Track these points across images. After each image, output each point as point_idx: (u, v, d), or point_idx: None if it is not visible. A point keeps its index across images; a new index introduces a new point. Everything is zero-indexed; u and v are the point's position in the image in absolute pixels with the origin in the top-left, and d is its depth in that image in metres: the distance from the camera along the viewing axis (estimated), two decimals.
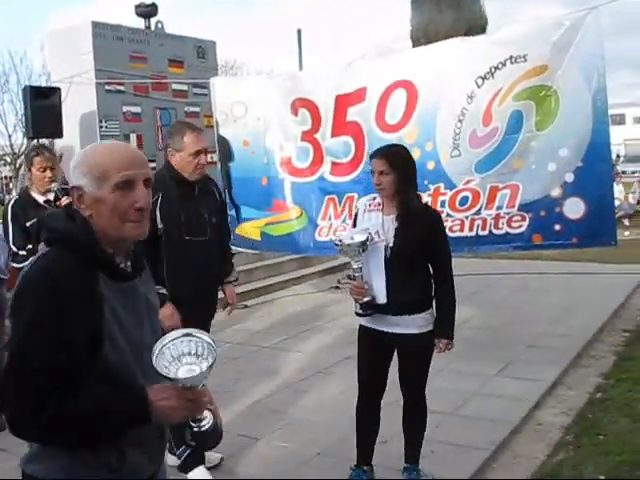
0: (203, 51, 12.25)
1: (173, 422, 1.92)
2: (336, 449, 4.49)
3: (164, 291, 4.03)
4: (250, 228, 7.30)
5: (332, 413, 5.12)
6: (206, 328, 4.14)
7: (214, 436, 2.00)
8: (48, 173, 4.84)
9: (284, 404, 5.39)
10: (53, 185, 4.83)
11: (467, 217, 5.86)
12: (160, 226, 4.07)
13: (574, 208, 5.53)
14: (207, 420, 1.96)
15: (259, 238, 7.27)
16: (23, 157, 5.36)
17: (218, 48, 12.81)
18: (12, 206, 4.91)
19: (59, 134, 10.13)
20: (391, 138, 6.11)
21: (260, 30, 76.37)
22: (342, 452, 4.43)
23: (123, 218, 1.91)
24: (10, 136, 34.74)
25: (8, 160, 37.59)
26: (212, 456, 4.40)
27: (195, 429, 1.94)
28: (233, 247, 7.76)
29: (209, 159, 11.22)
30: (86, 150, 2.03)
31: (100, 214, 1.91)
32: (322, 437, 4.68)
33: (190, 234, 4.17)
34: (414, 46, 23.37)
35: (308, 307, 8.93)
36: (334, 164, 6.65)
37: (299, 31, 19.44)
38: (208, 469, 4.28)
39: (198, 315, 4.04)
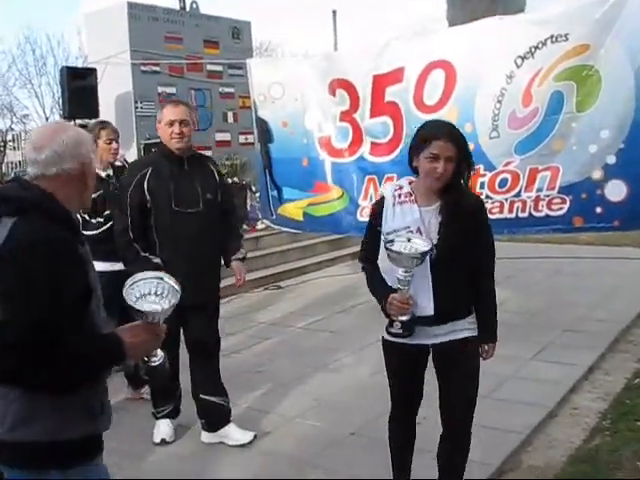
0: (238, 32, 12.26)
1: (140, 356, 2.17)
2: (368, 429, 4.47)
3: (158, 260, 4.18)
4: (293, 209, 7.30)
5: (364, 394, 5.11)
6: (202, 301, 4.33)
7: (163, 371, 2.25)
8: (114, 145, 5.12)
9: (317, 384, 5.40)
10: (119, 155, 5.15)
11: (507, 199, 5.78)
12: (148, 198, 4.19)
13: (616, 190, 5.41)
14: (158, 357, 2.21)
15: (302, 218, 7.27)
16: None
17: (253, 29, 12.81)
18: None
19: (95, 114, 10.22)
20: (429, 118, 6.05)
21: (295, 11, 76.16)
22: (374, 433, 4.40)
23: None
24: (47, 118, 35.08)
25: None
26: (246, 434, 4.46)
27: (149, 364, 2.20)
28: (276, 227, 7.86)
29: (244, 140, 11.43)
30: (81, 131, 2.26)
31: (90, 189, 2.23)
32: (355, 417, 4.67)
33: (179, 205, 4.21)
34: (450, 26, 23.11)
35: (341, 288, 8.90)
36: (373, 144, 6.61)
37: (334, 12, 19.40)
38: (241, 446, 4.38)
39: (192, 287, 4.10)
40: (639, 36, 5.23)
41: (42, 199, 2.06)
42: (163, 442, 4.45)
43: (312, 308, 7.86)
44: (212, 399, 4.49)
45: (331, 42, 18.46)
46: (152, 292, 2.12)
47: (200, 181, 4.32)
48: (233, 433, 4.47)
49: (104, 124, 5.32)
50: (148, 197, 4.19)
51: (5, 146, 37.08)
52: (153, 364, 2.21)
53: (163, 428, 4.52)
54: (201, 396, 4.48)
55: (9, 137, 37.53)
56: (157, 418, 4.54)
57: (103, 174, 5.09)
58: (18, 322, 1.89)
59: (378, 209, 3.32)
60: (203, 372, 4.52)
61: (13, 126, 36.72)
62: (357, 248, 10.99)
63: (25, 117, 35.96)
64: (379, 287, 3.33)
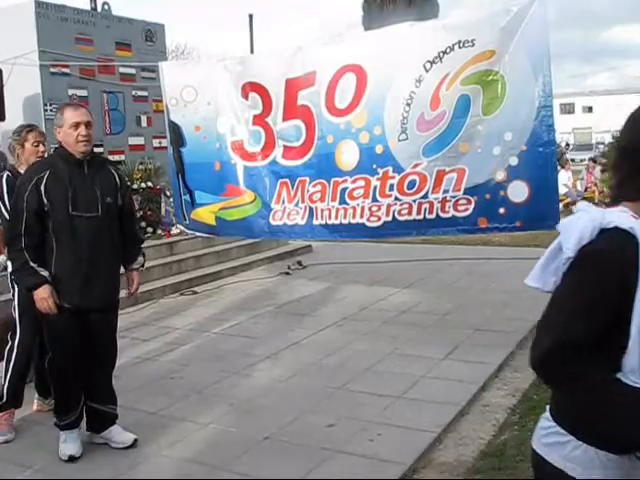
0: (152, 34, 12.06)
1: None
2: (282, 433, 4.47)
3: (45, 273, 4.10)
4: (205, 213, 7.26)
5: (280, 398, 5.12)
6: (101, 305, 4.27)
7: None
8: (41, 147, 4.92)
9: (232, 389, 5.36)
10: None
11: (415, 201, 5.90)
12: (45, 202, 4.10)
13: (518, 191, 5.60)
14: None
15: (214, 223, 7.24)
16: (11, 137, 5.33)
17: (167, 32, 12.64)
18: (6, 181, 4.81)
19: (1, 117, 9.87)
20: (340, 122, 6.15)
21: (212, 14, 75.75)
22: (288, 436, 4.44)
23: None
24: None
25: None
26: (129, 436, 4.42)
27: None
28: (189, 231, 7.78)
29: (158, 144, 11.24)
30: None
31: None
32: (269, 422, 4.66)
33: (77, 209, 4.14)
34: (365, 31, 23.42)
35: (256, 293, 8.88)
36: (286, 148, 6.63)
37: (251, 16, 19.34)
38: (127, 448, 4.37)
39: (90, 291, 4.16)
40: (539, 47, 5.44)
41: None
42: (71, 459, 4.26)
43: (228, 313, 7.80)
44: (101, 408, 4.43)
45: (247, 46, 18.41)
46: None
47: (100, 185, 4.25)
48: (117, 435, 4.43)
49: (31, 127, 5.13)
50: (45, 201, 4.09)
51: None
52: None
53: (69, 441, 4.34)
54: (90, 403, 4.41)
55: None
56: (61, 428, 4.37)
57: None
58: None
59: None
60: (97, 379, 4.44)
61: None
62: (272, 252, 11.14)
63: None
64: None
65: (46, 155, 4.94)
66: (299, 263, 10.40)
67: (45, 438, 4.53)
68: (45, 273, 4.10)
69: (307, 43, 6.92)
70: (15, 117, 9.99)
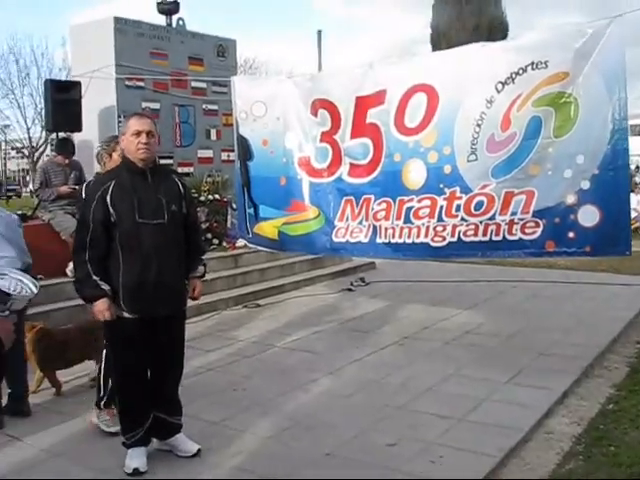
0: (223, 49, 12.30)
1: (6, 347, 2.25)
2: (343, 450, 4.48)
3: (106, 287, 4.16)
4: (268, 227, 7.33)
5: (341, 414, 5.12)
6: (168, 313, 4.32)
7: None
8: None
9: (293, 404, 5.38)
10: None
11: (481, 222, 5.85)
12: (112, 211, 4.15)
13: (589, 216, 5.50)
14: None
15: (277, 237, 7.30)
16: (100, 146, 5.56)
17: (238, 46, 12.87)
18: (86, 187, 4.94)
19: (78, 128, 10.21)
20: (409, 141, 6.15)
21: (281, 30, 76.71)
22: (349, 453, 4.44)
23: None
24: (29, 129, 35.01)
25: (26, 153, 37.84)
26: (193, 445, 4.48)
27: None
28: (251, 245, 7.87)
29: (226, 157, 11.46)
30: None
31: None
32: (330, 438, 4.67)
33: (143, 217, 4.19)
34: (434, 50, 23.41)
35: (319, 308, 8.92)
36: (352, 165, 6.67)
37: (319, 32, 19.49)
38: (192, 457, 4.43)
39: (158, 299, 4.20)
40: (615, 69, 5.35)
41: None
42: (136, 472, 4.26)
43: (290, 327, 7.86)
44: (168, 418, 4.48)
45: (315, 62, 18.55)
46: (10, 288, 2.24)
47: (164, 193, 4.31)
48: (181, 444, 4.49)
49: (117, 139, 5.33)
50: (112, 210, 4.15)
51: None
52: None
53: (135, 456, 4.33)
54: (156, 413, 4.45)
55: None
56: (128, 447, 4.36)
57: None
58: None
59: None
60: (164, 390, 4.49)
61: None
62: (336, 268, 11.20)
63: (6, 127, 35.92)
64: None
65: None
66: (362, 280, 10.41)
67: (111, 443, 4.62)
68: (106, 287, 4.16)
69: (378, 61, 6.94)
70: (91, 128, 10.35)
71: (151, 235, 4.19)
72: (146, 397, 4.40)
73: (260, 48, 56.08)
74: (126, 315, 4.21)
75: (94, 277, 4.13)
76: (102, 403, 4.97)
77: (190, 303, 4.68)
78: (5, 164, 49.27)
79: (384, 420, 4.98)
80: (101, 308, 4.15)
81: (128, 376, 4.35)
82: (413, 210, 6.20)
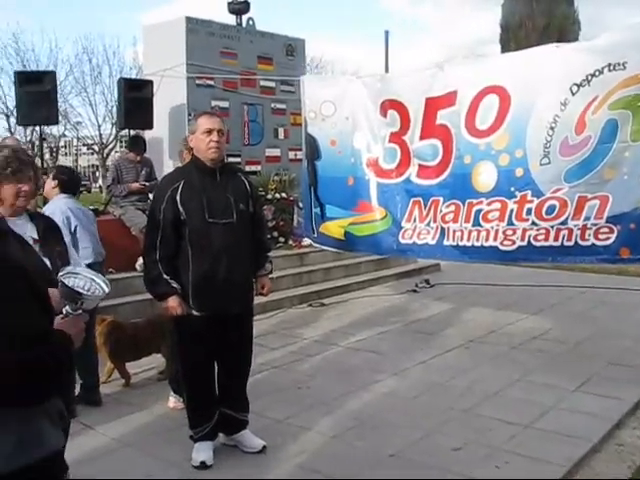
0: (292, 49, 12.38)
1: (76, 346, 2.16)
2: (409, 452, 4.47)
3: (177, 286, 4.24)
4: (334, 227, 7.34)
5: (406, 416, 5.12)
6: (237, 311, 4.39)
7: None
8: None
9: (358, 403, 5.40)
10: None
11: (553, 226, 5.74)
12: (181, 210, 4.20)
13: None
14: None
15: (343, 237, 7.30)
16: (182, 141, 5.67)
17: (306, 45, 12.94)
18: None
19: (149, 126, 10.42)
20: (480, 143, 6.08)
21: (348, 30, 76.74)
22: (414, 455, 4.42)
23: None
24: (99, 126, 35.85)
25: (96, 149, 38.74)
26: (259, 441, 4.54)
27: None
28: (317, 245, 7.90)
29: (293, 156, 11.54)
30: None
31: None
32: (395, 439, 4.66)
33: (213, 216, 4.23)
34: (503, 50, 23.06)
35: (384, 308, 8.91)
36: (421, 167, 6.62)
37: (386, 32, 19.41)
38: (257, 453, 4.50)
39: (227, 297, 4.26)
40: None
41: None
42: (203, 465, 4.34)
43: (354, 327, 7.87)
44: (234, 415, 4.54)
45: (380, 61, 18.51)
46: (83, 287, 2.23)
47: (232, 191, 4.35)
48: (247, 440, 4.55)
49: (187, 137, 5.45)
50: (182, 210, 4.21)
51: (57, 151, 37.82)
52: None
53: (202, 450, 4.42)
54: (223, 409, 4.51)
55: (62, 143, 38.25)
56: (195, 440, 4.46)
57: None
58: (9, 334, 1.86)
59: None
60: (232, 387, 4.55)
61: (66, 132, 37.64)
62: (401, 269, 11.15)
63: (78, 124, 36.83)
64: None
65: None
66: (427, 282, 10.35)
67: (178, 436, 4.70)
68: (176, 285, 4.24)
69: (448, 63, 6.88)
70: (161, 126, 10.56)
71: (221, 234, 4.24)
72: (214, 393, 4.48)
73: (325, 48, 56.26)
74: (195, 313, 4.28)
75: (165, 276, 4.22)
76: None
77: (256, 300, 4.74)
78: (76, 160, 50.55)
79: (449, 423, 4.95)
80: (173, 304, 4.23)
81: (196, 372, 4.42)
82: (482, 213, 6.12)
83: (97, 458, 4.45)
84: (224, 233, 4.25)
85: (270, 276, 4.83)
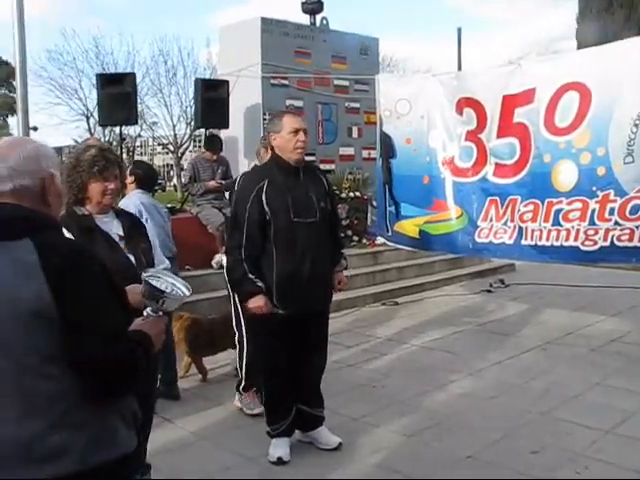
0: (366, 48, 12.37)
1: (155, 351, 2.17)
2: (485, 454, 4.43)
3: (261, 284, 4.26)
4: (409, 226, 7.30)
5: (483, 417, 5.06)
6: (319, 309, 4.46)
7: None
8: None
9: (434, 403, 5.37)
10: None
11: (637, 227, 5.57)
12: (267, 210, 4.23)
13: None
14: None
15: (418, 236, 7.25)
16: (261, 140, 5.80)
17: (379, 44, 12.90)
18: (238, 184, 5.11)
19: (225, 125, 10.57)
20: (559, 141, 5.95)
21: (420, 28, 76.23)
22: (491, 457, 4.38)
23: None
24: (174, 126, 36.51)
25: (171, 149, 39.44)
26: (334, 438, 4.56)
27: None
28: (391, 244, 7.88)
29: (367, 155, 11.54)
30: (39, 143, 2.14)
31: (59, 205, 2.20)
32: (472, 440, 4.62)
33: (298, 216, 4.26)
34: (579, 46, 22.52)
35: (458, 308, 8.84)
36: (498, 165, 6.53)
37: (459, 30, 19.16)
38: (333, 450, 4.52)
39: (311, 295, 4.30)
40: None
41: (40, 216, 2.03)
42: (280, 461, 4.38)
43: (428, 326, 7.83)
44: (310, 411, 4.58)
45: (452, 59, 18.31)
46: (166, 289, 2.27)
47: (314, 190, 4.39)
48: (323, 437, 4.58)
49: (267, 136, 5.51)
50: (267, 209, 4.24)
51: (134, 151, 38.73)
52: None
53: (279, 446, 4.47)
54: (299, 405, 4.55)
55: (137, 143, 39.16)
56: (272, 436, 4.51)
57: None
58: (101, 332, 1.90)
59: None
60: (308, 383, 4.59)
61: (142, 133, 38.47)
62: (474, 269, 11.01)
63: (154, 124, 37.59)
64: None
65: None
66: (501, 281, 10.21)
67: (254, 431, 4.77)
68: (261, 284, 4.27)
69: (525, 59, 6.78)
70: (237, 125, 10.70)
71: (305, 233, 4.28)
72: (291, 390, 4.52)
73: (395, 46, 56.02)
74: (279, 312, 4.32)
75: (250, 275, 4.25)
76: (242, 387, 5.23)
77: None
78: (152, 159, 51.60)
79: (527, 426, 4.88)
80: (259, 303, 4.25)
81: (276, 370, 4.47)
82: (562, 212, 5.99)
83: (175, 450, 4.57)
84: (308, 232, 4.29)
85: (345, 273, 4.86)
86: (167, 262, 3.71)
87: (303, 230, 4.28)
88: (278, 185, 4.29)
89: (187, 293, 2.31)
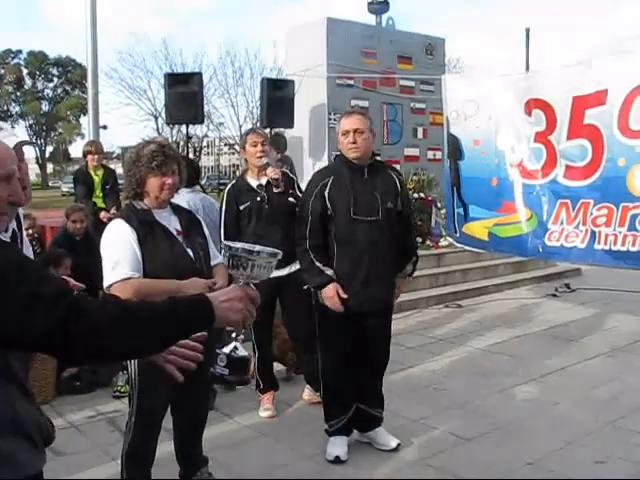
0: (432, 48, 12.29)
1: (232, 323, 1.99)
2: (548, 461, 4.33)
3: (330, 272, 4.31)
4: (477, 228, 7.22)
5: (546, 424, 4.96)
6: (375, 308, 4.40)
7: (242, 363, 2.30)
8: (259, 147, 5.07)
9: (495, 408, 5.29)
10: (263, 160, 5.07)
11: None
12: (329, 206, 4.29)
13: None
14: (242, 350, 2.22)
15: (487, 238, 7.16)
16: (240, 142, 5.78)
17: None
18: (227, 191, 5.20)
19: (290, 125, 10.64)
20: (635, 145, 5.78)
21: (486, 29, 75.30)
22: (554, 465, 4.28)
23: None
24: (240, 126, 36.93)
25: (237, 149, 39.95)
26: (393, 440, 4.54)
27: (235, 339, 2.19)
28: (459, 245, 7.79)
29: (432, 156, 11.45)
30: None
31: None
32: (534, 447, 4.54)
33: (358, 213, 4.27)
34: None
35: (521, 312, 8.69)
36: (568, 167, 6.38)
37: (527, 30, 18.85)
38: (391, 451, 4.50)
39: (366, 294, 4.30)
40: None
41: None
42: (337, 460, 4.38)
43: (491, 330, 7.72)
44: (370, 411, 4.57)
45: (521, 60, 18.04)
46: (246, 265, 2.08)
47: (380, 190, 4.37)
48: (381, 437, 4.56)
49: (252, 129, 5.50)
50: (329, 205, 4.31)
51: (200, 151, 39.29)
52: (236, 342, 2.18)
53: (337, 444, 4.47)
54: (359, 405, 4.56)
55: (204, 143, 39.75)
56: (330, 434, 4.53)
57: (255, 184, 5.12)
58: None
59: None
60: (368, 383, 4.59)
61: (209, 133, 39.03)
62: (539, 272, 10.79)
63: (220, 125, 38.11)
64: None
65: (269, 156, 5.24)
66: (567, 286, 10.00)
67: (313, 429, 4.77)
68: (330, 272, 4.31)
69: (596, 59, 6.60)
70: (302, 125, 10.75)
71: (365, 232, 4.29)
72: (351, 386, 4.52)
73: (462, 47, 55.47)
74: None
75: (317, 263, 4.31)
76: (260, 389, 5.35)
77: None
78: (218, 159, 52.30)
79: (592, 435, 4.76)
80: (330, 294, 4.28)
81: (335, 365, 4.48)
82: (639, 218, 5.81)
83: (235, 446, 4.61)
84: (369, 230, 4.30)
85: (410, 278, 4.82)
86: (220, 257, 3.75)
87: (363, 228, 4.29)
88: (342, 182, 4.34)
89: (277, 251, 2.10)
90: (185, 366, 2.08)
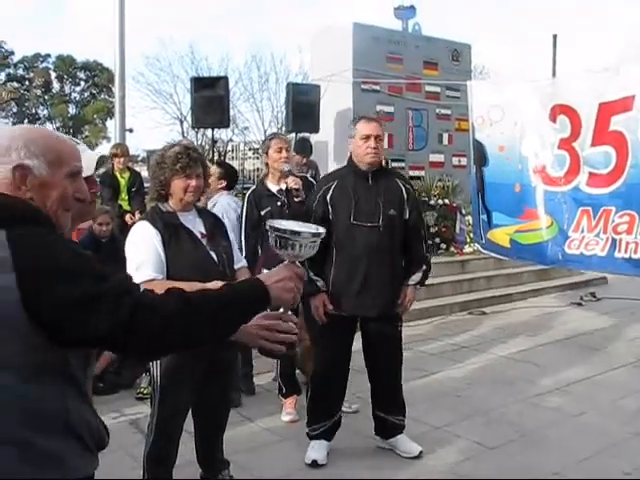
0: (458, 54, 12.27)
1: (284, 301, 2.02)
2: (573, 471, 4.28)
3: (321, 283, 4.33)
4: (500, 234, 7.17)
5: (571, 433, 4.91)
6: (373, 314, 4.37)
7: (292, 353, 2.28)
8: (283, 153, 5.13)
9: (519, 416, 5.25)
10: (286, 166, 5.13)
11: None
12: (330, 210, 4.31)
13: None
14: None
15: (508, 245, 7.11)
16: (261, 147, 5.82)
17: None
18: (248, 197, 5.24)
19: (316, 129, 10.66)
20: None
21: (512, 35, 74.90)
22: (580, 476, 4.22)
23: (65, 205, 1.83)
24: (265, 131, 37.02)
25: (261, 153, 40.06)
26: (415, 446, 4.52)
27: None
28: (485, 251, 7.74)
29: (457, 162, 11.42)
30: (28, 131, 1.86)
31: (45, 198, 1.80)
32: (560, 457, 4.49)
33: (357, 219, 4.27)
34: None
35: (546, 320, 8.62)
36: (591, 175, 6.32)
37: (555, 36, 18.75)
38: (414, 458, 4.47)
39: (363, 300, 4.29)
40: None
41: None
42: (314, 464, 4.37)
43: (515, 337, 7.67)
44: (389, 418, 4.56)
45: (547, 66, 17.93)
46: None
47: (384, 197, 4.35)
48: (403, 444, 4.54)
49: (275, 134, 5.54)
50: (330, 210, 4.33)
51: (225, 155, 39.48)
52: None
53: (316, 448, 4.46)
54: (377, 412, 4.56)
55: (229, 147, 39.96)
56: (311, 438, 4.52)
57: (275, 189, 5.17)
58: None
59: None
60: (384, 390, 4.57)
61: (234, 137, 39.18)
62: (564, 281, 10.70)
63: (245, 129, 38.20)
64: None
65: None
66: (592, 295, 9.91)
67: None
68: (320, 283, 4.34)
69: (624, 65, 6.54)
70: (327, 130, 10.76)
71: (364, 237, 4.28)
72: (338, 392, 4.54)
73: (489, 53, 55.21)
74: (332, 311, 4.36)
75: (310, 273, 4.28)
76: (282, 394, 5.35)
77: (416, 305, 4.71)
78: (243, 164, 52.52)
79: (618, 445, 4.70)
80: (317, 303, 4.34)
81: (327, 368, 4.49)
82: None
83: (256, 449, 4.62)
84: (368, 236, 4.29)
85: (430, 282, 4.78)
86: (244, 261, 3.76)
87: (362, 233, 4.29)
88: (345, 187, 4.36)
89: (321, 231, 2.16)
90: (282, 339, 2.14)
